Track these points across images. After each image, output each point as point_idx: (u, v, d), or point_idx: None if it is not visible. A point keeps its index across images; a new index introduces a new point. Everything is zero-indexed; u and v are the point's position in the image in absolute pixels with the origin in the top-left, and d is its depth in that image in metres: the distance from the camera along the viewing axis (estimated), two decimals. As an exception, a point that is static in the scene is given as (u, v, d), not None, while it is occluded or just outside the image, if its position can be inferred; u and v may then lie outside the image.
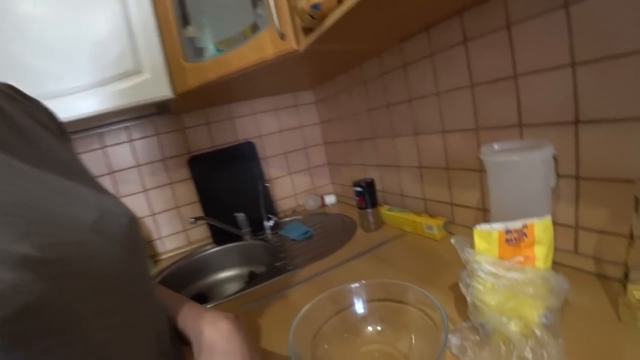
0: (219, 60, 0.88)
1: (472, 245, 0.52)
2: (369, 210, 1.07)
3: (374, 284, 0.62)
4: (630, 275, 0.50)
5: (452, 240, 0.52)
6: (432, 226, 0.90)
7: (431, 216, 0.96)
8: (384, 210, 1.09)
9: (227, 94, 1.21)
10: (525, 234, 0.50)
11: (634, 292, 0.50)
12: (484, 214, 0.83)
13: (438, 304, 0.50)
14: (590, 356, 0.46)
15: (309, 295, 0.60)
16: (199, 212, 1.36)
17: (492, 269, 0.48)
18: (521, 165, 0.56)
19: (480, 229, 0.51)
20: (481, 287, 0.49)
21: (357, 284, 0.62)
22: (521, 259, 0.50)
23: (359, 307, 0.62)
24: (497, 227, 0.50)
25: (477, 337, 0.52)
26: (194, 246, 1.36)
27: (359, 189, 1.07)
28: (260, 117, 1.47)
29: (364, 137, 1.24)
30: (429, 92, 0.88)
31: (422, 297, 0.54)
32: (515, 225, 0.50)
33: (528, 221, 0.50)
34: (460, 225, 0.91)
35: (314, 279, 0.84)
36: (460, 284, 0.54)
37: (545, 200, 0.58)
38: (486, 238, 0.50)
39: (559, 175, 0.63)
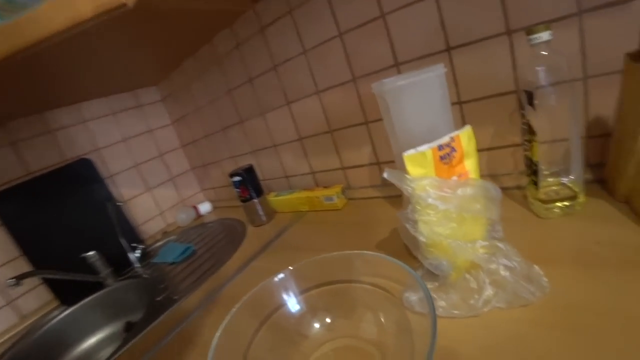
0: (3, 30, 0.59)
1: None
2: (255, 201, 0.93)
3: (304, 266, 0.49)
4: (538, 170, 0.52)
5: (385, 175, 0.45)
6: (331, 196, 0.83)
7: (326, 187, 0.88)
8: (272, 198, 0.96)
9: (36, 94, 0.86)
10: (454, 149, 0.46)
11: (544, 185, 0.54)
12: (380, 168, 0.80)
13: (400, 263, 0.41)
14: (534, 252, 0.45)
15: (216, 317, 0.43)
16: (24, 268, 0.94)
17: (441, 192, 0.42)
18: (421, 84, 0.53)
19: (410, 153, 0.45)
20: (432, 217, 0.42)
21: (281, 275, 0.48)
22: (456, 178, 0.46)
23: (292, 303, 0.48)
24: (427, 146, 0.45)
25: (437, 283, 0.45)
26: (31, 320, 0.92)
27: (237, 178, 0.91)
28: (94, 125, 1.12)
29: (228, 125, 1.08)
30: (295, 52, 0.80)
31: (372, 262, 0.45)
32: (444, 140, 0.45)
33: (453, 134, 0.46)
34: (358, 188, 0.87)
35: (216, 298, 0.65)
36: (402, 227, 0.46)
37: (449, 118, 0.57)
38: (420, 161, 0.44)
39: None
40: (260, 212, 0.94)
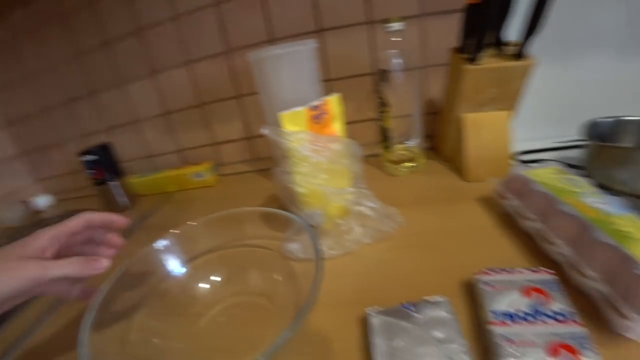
0: None
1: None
2: (114, 183, 0.81)
3: (190, 229, 0.46)
4: (390, 137, 0.63)
5: (265, 130, 0.46)
6: (201, 172, 0.80)
7: (195, 164, 0.84)
8: (134, 180, 0.86)
9: None
10: (325, 112, 0.51)
11: (395, 150, 0.65)
12: (250, 143, 0.81)
13: (283, 212, 0.43)
14: (389, 199, 0.54)
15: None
16: None
17: (314, 146, 0.46)
18: (294, 56, 0.58)
19: (286, 113, 0.48)
20: (307, 168, 0.46)
21: (164, 242, 0.45)
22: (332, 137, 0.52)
23: (177, 269, 0.45)
24: (301, 107, 0.48)
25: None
26: None
27: (90, 157, 0.78)
28: None
29: (76, 97, 0.91)
30: (163, 17, 0.74)
31: (254, 215, 0.46)
32: (317, 102, 0.50)
33: (324, 98, 0.51)
34: (230, 164, 0.85)
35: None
36: (280, 183, 0.49)
37: (319, 89, 0.62)
38: (294, 119, 0.48)
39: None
40: (121, 197, 0.83)
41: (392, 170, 0.65)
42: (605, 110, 0.60)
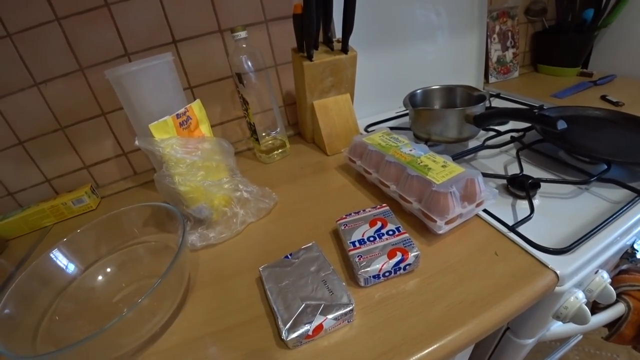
0: None
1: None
2: (-32, 231, 0.72)
3: (80, 235, 0.52)
4: (257, 130, 0.72)
5: (137, 142, 0.50)
6: (81, 197, 0.77)
7: (70, 192, 0.80)
8: (-6, 223, 0.77)
9: None
10: (190, 117, 0.57)
11: (264, 141, 0.74)
12: (127, 158, 0.81)
13: (164, 204, 0.50)
14: (264, 183, 0.64)
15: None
16: None
17: (185, 148, 0.52)
18: (153, 69, 0.61)
19: (154, 123, 0.52)
20: (184, 169, 0.52)
21: (55, 250, 0.49)
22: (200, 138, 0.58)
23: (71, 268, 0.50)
24: (167, 116, 0.53)
25: (204, 225, 0.56)
26: None
27: None
28: None
29: None
30: (-8, 37, 0.67)
31: (140, 212, 0.53)
32: (180, 110, 0.55)
33: (187, 105, 0.57)
34: (108, 184, 0.83)
35: None
36: (162, 187, 0.54)
37: (182, 97, 0.67)
38: (163, 128, 0.53)
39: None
40: (-21, 245, 0.74)
41: (265, 159, 0.75)
42: (420, 83, 0.79)
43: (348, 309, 0.37)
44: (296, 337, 0.35)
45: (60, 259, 0.49)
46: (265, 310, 0.41)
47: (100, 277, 0.51)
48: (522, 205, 0.53)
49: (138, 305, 0.35)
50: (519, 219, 0.49)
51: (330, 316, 0.36)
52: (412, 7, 0.85)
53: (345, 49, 0.67)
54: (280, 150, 0.76)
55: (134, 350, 0.40)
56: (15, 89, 0.72)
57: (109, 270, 0.52)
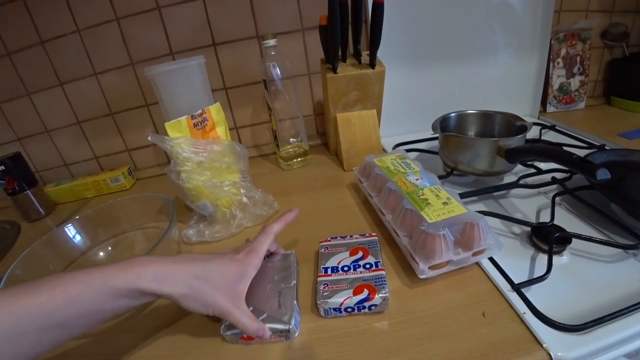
0: None
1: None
2: (28, 192, 0.83)
3: (89, 215, 0.58)
4: (279, 137, 0.72)
5: (149, 137, 0.53)
6: (118, 177, 0.85)
7: (111, 170, 0.88)
8: (50, 189, 0.89)
9: None
10: (206, 119, 0.59)
11: (286, 147, 0.74)
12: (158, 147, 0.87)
13: (159, 195, 0.53)
14: (276, 190, 0.64)
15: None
16: None
17: (194, 148, 0.54)
18: (185, 70, 0.64)
19: (169, 122, 0.55)
20: (189, 167, 0.54)
21: (69, 225, 0.56)
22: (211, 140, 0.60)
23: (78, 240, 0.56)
24: (182, 117, 0.56)
25: (206, 222, 0.58)
26: None
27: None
28: None
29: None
30: (66, 29, 0.77)
31: (138, 201, 0.56)
32: (197, 112, 0.58)
33: (205, 107, 0.59)
34: (145, 168, 0.90)
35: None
36: (172, 181, 0.56)
37: (209, 98, 0.69)
38: (177, 127, 0.55)
39: (213, 90, 0.77)
40: (36, 204, 0.85)
41: (284, 166, 0.75)
42: (464, 106, 0.73)
43: (284, 328, 0.36)
44: (230, 334, 0.37)
45: (71, 232, 0.55)
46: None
47: (102, 254, 0.57)
48: (543, 261, 0.46)
49: None
50: (534, 277, 0.42)
51: (267, 326, 0.36)
52: (461, 22, 0.78)
53: (372, 64, 0.64)
54: (300, 159, 0.76)
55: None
56: (79, 77, 0.81)
57: (110, 249, 0.58)
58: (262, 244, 0.40)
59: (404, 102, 0.80)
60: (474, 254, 0.42)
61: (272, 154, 0.83)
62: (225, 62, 0.78)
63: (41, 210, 0.86)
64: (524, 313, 0.38)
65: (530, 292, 0.40)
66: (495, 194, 0.61)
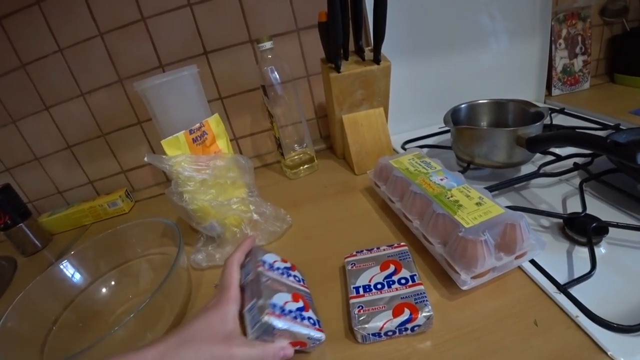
0: None
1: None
2: (22, 225, 0.78)
3: (86, 248, 0.53)
4: (282, 144, 0.68)
5: (146, 158, 0.49)
6: (115, 201, 0.80)
7: (108, 194, 0.84)
8: (45, 219, 0.84)
9: None
10: (205, 132, 0.55)
11: (290, 155, 0.70)
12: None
13: (163, 220, 0.50)
14: (285, 202, 0.61)
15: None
16: None
17: (195, 165, 0.50)
18: (177, 82, 0.60)
19: (167, 139, 0.51)
20: (192, 187, 0.50)
21: (64, 262, 0.51)
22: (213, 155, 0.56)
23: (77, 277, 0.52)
24: (180, 133, 0.52)
25: (215, 243, 0.54)
26: None
27: (-12, 203, 0.75)
28: None
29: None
30: (48, 50, 0.72)
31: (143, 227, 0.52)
32: (195, 125, 0.54)
33: (203, 120, 0.55)
34: (142, 189, 0.86)
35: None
36: (174, 203, 0.52)
37: (206, 110, 0.66)
38: (175, 144, 0.52)
39: (208, 101, 0.73)
40: (32, 237, 0.80)
41: (290, 175, 0.71)
42: (468, 96, 0.70)
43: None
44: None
45: (69, 269, 0.51)
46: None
47: (104, 290, 0.52)
48: (581, 255, 0.42)
49: (127, 321, 0.35)
50: (575, 274, 0.39)
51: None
52: (459, 10, 0.75)
53: (377, 59, 0.61)
54: (307, 166, 0.72)
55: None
56: (65, 98, 0.77)
57: (113, 283, 0.53)
58: (230, 276, 0.37)
59: (407, 98, 0.77)
60: (517, 257, 0.39)
61: (276, 162, 0.79)
62: (219, 70, 0.74)
63: (37, 242, 0.81)
64: (577, 316, 0.35)
65: (577, 291, 0.37)
66: (516, 185, 0.58)
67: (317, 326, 0.34)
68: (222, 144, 0.58)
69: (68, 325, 0.46)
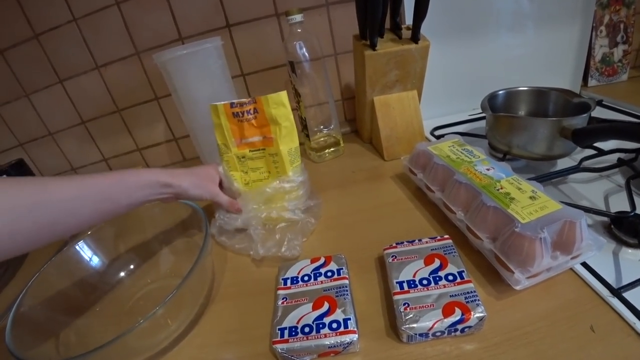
0: None
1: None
2: (34, 201, 0.77)
3: (103, 228, 0.50)
4: (308, 125, 0.65)
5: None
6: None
7: (123, 172, 0.82)
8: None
9: None
10: (255, 110, 0.51)
11: (315, 137, 0.67)
12: (177, 144, 0.80)
13: (191, 204, 0.47)
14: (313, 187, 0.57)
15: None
16: None
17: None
18: (200, 55, 0.57)
19: (212, 104, 0.50)
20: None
21: (80, 242, 0.48)
22: (259, 138, 0.52)
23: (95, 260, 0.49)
24: (222, 102, 0.50)
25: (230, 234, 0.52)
26: None
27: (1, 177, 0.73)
28: None
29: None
30: (62, 19, 0.68)
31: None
32: (241, 100, 0.50)
33: (255, 97, 0.50)
34: (157, 167, 0.83)
35: None
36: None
37: (230, 86, 0.62)
38: (215, 112, 0.50)
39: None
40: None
41: (315, 158, 0.68)
42: (500, 82, 0.66)
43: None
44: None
45: (85, 251, 0.48)
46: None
47: (122, 274, 0.50)
48: (629, 256, 0.40)
49: (154, 314, 0.33)
50: (623, 277, 0.37)
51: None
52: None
53: (415, 38, 0.56)
54: (332, 149, 0.69)
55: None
56: (80, 71, 0.74)
57: (132, 267, 0.51)
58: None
59: (438, 81, 0.72)
60: (573, 258, 0.36)
61: (300, 144, 0.76)
62: (242, 45, 0.69)
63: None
64: (634, 323, 0.32)
65: (632, 296, 0.34)
66: (554, 180, 0.55)
67: (342, 328, 0.33)
68: (275, 131, 0.51)
69: (84, 309, 0.44)
